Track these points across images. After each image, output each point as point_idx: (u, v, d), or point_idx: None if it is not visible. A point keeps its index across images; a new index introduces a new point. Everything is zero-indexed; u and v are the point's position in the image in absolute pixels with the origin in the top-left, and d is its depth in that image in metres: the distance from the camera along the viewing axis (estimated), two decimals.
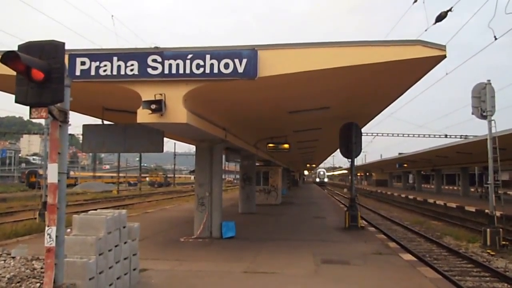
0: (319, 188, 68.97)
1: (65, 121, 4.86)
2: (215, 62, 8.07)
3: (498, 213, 15.20)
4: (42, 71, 4.35)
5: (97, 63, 8.10)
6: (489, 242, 14.18)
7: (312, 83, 9.38)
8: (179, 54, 8.17)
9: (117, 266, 6.31)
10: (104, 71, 8.10)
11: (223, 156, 16.54)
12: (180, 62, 8.12)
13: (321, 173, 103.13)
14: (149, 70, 8.11)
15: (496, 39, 10.62)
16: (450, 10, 9.32)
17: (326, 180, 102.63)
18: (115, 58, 8.13)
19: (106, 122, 11.90)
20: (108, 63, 8.10)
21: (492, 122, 14.99)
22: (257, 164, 24.36)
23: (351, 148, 15.18)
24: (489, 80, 15.04)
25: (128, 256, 6.80)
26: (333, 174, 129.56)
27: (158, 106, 7.94)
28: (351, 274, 8.43)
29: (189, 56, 8.12)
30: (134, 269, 7.07)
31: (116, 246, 6.33)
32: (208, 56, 8.09)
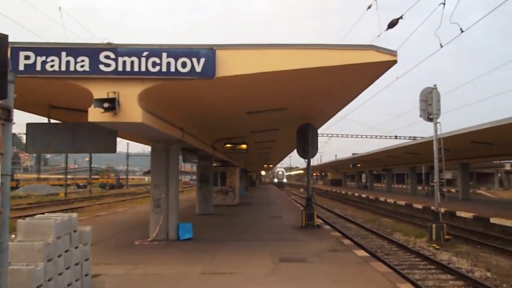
0: (276, 188, 68.48)
1: (8, 119, 4.54)
2: (172, 60, 7.91)
3: (442, 210, 16.09)
4: None
5: (44, 57, 7.67)
6: (434, 237, 15.00)
7: (271, 84, 9.42)
8: (134, 51, 7.93)
9: (67, 272, 6.00)
10: (52, 66, 7.68)
11: (180, 157, 16.28)
12: (135, 59, 7.88)
13: (280, 173, 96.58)
14: (102, 67, 7.80)
15: (441, 46, 11.18)
16: (401, 17, 9.70)
17: (285, 180, 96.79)
18: (63, 53, 7.75)
19: (52, 121, 11.28)
20: (56, 58, 7.69)
21: (438, 124, 15.84)
22: (214, 164, 24.20)
23: (307, 148, 15.40)
24: (435, 85, 15.85)
25: (80, 262, 6.49)
26: (289, 174, 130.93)
27: (111, 104, 7.65)
28: (308, 271, 8.54)
29: (145, 53, 7.90)
30: (86, 275, 6.76)
31: (66, 251, 6.01)
32: (164, 54, 7.92)
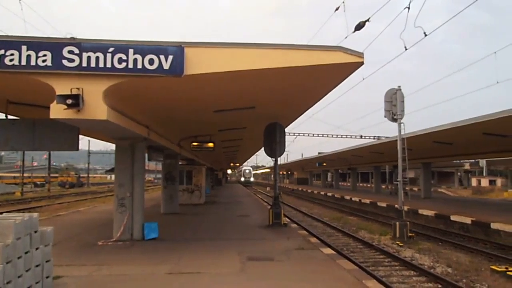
0: (242, 187, 67.85)
1: None
2: (139, 57, 7.75)
3: (405, 208, 16.60)
4: None
5: (2, 51, 7.32)
6: (398, 234, 15.45)
7: (239, 82, 9.42)
8: (99, 46, 7.70)
9: (27, 274, 5.76)
10: (11, 60, 7.34)
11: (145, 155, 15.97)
12: (100, 55, 7.66)
13: (247, 171, 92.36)
14: (65, 62, 7.52)
15: (406, 49, 11.56)
16: (367, 20, 9.94)
17: (252, 179, 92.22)
18: (24, 47, 7.41)
19: (10, 117, 10.77)
20: (16, 52, 7.36)
21: (402, 124, 16.35)
22: (180, 163, 23.93)
23: (275, 147, 15.49)
24: (399, 86, 16.35)
25: (41, 263, 6.25)
26: (256, 173, 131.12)
27: (74, 101, 7.40)
28: (276, 270, 8.61)
29: (111, 49, 7.69)
30: (47, 277, 6.52)
31: (26, 252, 5.78)
32: (131, 51, 7.74)
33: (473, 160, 61.41)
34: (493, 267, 11.14)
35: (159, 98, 10.63)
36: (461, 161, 62.26)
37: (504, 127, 17.70)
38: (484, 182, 61.16)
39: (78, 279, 7.66)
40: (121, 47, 7.75)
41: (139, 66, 7.75)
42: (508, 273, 10.47)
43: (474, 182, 64.38)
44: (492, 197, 41.93)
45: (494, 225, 16.16)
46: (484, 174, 67.95)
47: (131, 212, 12.24)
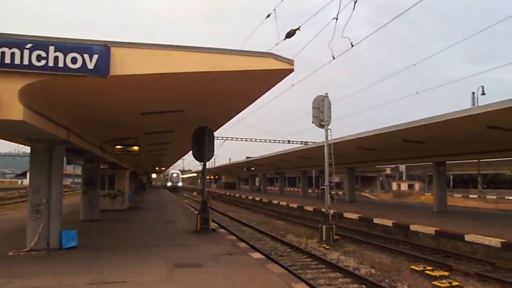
0: (169, 192, 65.05)
1: None
2: (60, 55, 7.28)
3: (332, 211, 17.29)
4: None
5: None
6: (324, 237, 16.03)
7: (168, 85, 9.22)
8: (15, 42, 7.14)
9: None
10: None
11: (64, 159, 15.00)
12: (16, 51, 7.10)
13: (174, 175, 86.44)
14: None
15: (334, 58, 12.15)
16: (298, 29, 10.29)
17: (180, 184, 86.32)
18: None
19: None
20: None
21: (329, 130, 17.07)
22: (102, 167, 22.80)
23: (203, 151, 15.38)
24: (326, 93, 17.10)
25: None
26: (182, 177, 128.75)
27: None
28: (204, 276, 8.51)
29: (28, 45, 7.16)
30: None
31: None
32: (52, 48, 7.25)
33: (394, 165, 65.74)
34: (412, 266, 11.86)
35: (82, 99, 10.05)
36: (383, 166, 66.49)
37: (422, 134, 18.88)
38: (404, 186, 65.93)
39: None
40: (41, 43, 7.24)
41: (60, 64, 7.29)
42: (426, 272, 11.21)
43: (394, 186, 69.15)
44: (411, 200, 44.67)
45: (413, 227, 17.22)
46: (404, 178, 73.21)
47: (47, 220, 11.39)
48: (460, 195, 53.21)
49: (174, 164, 75.36)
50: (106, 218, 19.56)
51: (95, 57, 7.46)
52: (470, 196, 52.85)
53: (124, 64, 7.66)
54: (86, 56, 7.43)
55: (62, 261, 9.98)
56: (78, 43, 7.55)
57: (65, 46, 7.37)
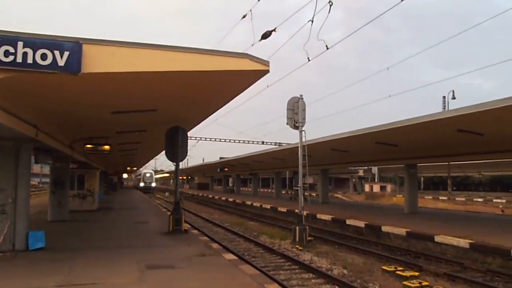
0: (141, 193, 62.55)
1: None
2: (29, 51, 7.02)
3: (305, 213, 17.38)
4: None
5: None
6: (297, 239, 16.11)
7: (141, 84, 9.07)
8: None
9: None
10: None
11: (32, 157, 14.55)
12: None
13: (148, 175, 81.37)
14: None
15: (309, 60, 12.28)
16: (274, 30, 10.33)
17: (154, 184, 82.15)
18: None
19: None
20: None
21: (303, 132, 17.18)
22: (71, 166, 22.24)
23: (177, 151, 15.23)
24: (301, 95, 17.22)
25: None
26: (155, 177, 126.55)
27: None
28: (176, 277, 8.45)
29: None
30: None
31: None
32: (20, 44, 6.99)
33: (367, 167, 66.95)
34: (384, 267, 12.09)
35: (52, 96, 9.77)
36: (356, 168, 67.54)
37: (394, 137, 19.28)
38: (376, 188, 67.12)
39: None
40: (8, 38, 6.97)
41: (30, 61, 7.03)
42: (397, 272, 11.44)
43: (367, 188, 70.29)
44: (383, 202, 45.34)
45: (384, 228, 17.51)
46: (376, 180, 74.57)
47: (13, 220, 11.05)
48: (431, 197, 54.68)
49: (147, 164, 73.91)
50: (75, 219, 19.11)
51: (66, 54, 7.24)
52: (440, 198, 54.42)
53: (96, 62, 7.47)
54: (56, 52, 7.21)
55: (29, 263, 9.69)
56: (49, 39, 7.32)
57: (34, 42, 7.14)
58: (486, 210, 35.80)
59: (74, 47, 7.32)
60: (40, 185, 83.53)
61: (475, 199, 51.09)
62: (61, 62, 7.23)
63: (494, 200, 49.00)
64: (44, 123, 11.85)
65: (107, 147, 17.96)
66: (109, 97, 10.52)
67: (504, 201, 47.19)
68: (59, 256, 10.40)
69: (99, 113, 12.47)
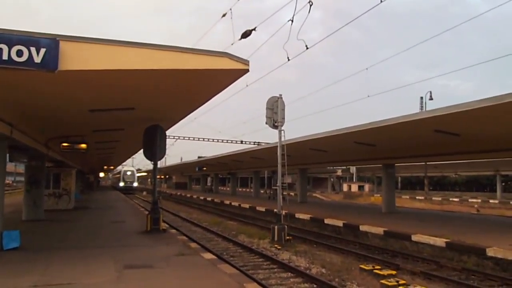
0: (118, 192, 59.34)
1: None
2: (4, 47, 6.86)
3: (283, 212, 17.49)
4: None
5: None
6: (276, 238, 16.21)
7: (119, 82, 8.99)
8: None
9: None
10: None
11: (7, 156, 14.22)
12: None
13: (128, 173, 71.40)
14: None
15: (289, 60, 12.39)
16: (254, 29, 10.39)
17: (136, 184, 72.49)
18: None
19: None
20: None
21: (282, 131, 17.27)
22: (47, 165, 21.81)
23: (155, 150, 15.13)
24: (280, 95, 17.31)
25: None
26: None
27: None
28: (155, 277, 8.41)
29: None
30: None
31: None
32: None
33: (345, 167, 67.53)
34: (361, 266, 12.25)
35: (28, 94, 9.57)
36: (334, 167, 68.11)
37: (372, 137, 19.48)
38: (354, 188, 67.86)
39: None
40: None
41: (5, 57, 6.87)
42: (374, 271, 11.63)
43: (345, 187, 71.01)
44: (361, 202, 45.90)
45: (362, 227, 17.75)
46: (354, 180, 75.40)
47: None
48: (408, 197, 55.61)
49: (124, 163, 72.35)
50: (51, 218, 18.77)
51: (43, 50, 7.12)
52: (417, 197, 55.49)
53: (73, 59, 7.37)
54: (32, 49, 7.07)
55: (3, 263, 9.48)
56: (25, 35, 7.18)
57: (10, 38, 6.99)
58: (462, 209, 36.60)
59: (51, 43, 7.20)
60: (14, 184, 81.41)
61: (451, 199, 52.33)
62: (37, 59, 7.10)
63: (470, 200, 50.36)
64: (20, 121, 11.61)
65: (83, 145, 17.69)
66: (86, 95, 10.38)
67: (479, 200, 48.62)
68: (35, 256, 10.21)
69: (77, 111, 12.28)
